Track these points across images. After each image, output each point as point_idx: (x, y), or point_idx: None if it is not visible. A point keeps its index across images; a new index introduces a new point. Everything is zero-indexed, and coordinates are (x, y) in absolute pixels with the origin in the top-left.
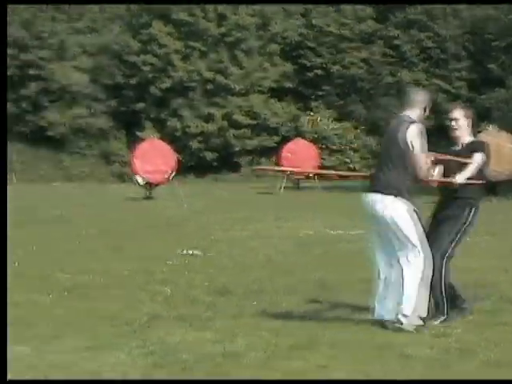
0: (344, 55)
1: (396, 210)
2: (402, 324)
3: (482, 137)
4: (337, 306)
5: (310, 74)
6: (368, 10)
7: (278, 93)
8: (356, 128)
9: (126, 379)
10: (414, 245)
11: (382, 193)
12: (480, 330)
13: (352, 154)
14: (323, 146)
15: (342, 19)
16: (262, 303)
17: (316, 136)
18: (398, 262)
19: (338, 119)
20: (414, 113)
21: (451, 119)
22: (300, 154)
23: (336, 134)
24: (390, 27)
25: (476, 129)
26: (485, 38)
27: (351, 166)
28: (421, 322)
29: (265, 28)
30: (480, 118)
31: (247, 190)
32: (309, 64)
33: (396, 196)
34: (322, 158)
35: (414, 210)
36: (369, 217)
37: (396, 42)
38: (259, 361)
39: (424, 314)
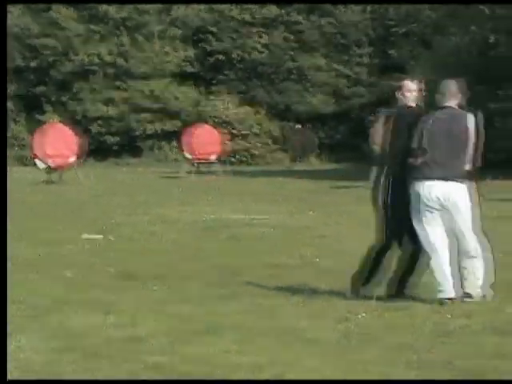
0: (245, 40)
1: (466, 197)
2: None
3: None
4: (241, 291)
5: (212, 59)
6: None
7: (179, 77)
8: (258, 113)
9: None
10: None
11: (456, 181)
12: (380, 314)
13: (254, 138)
14: (225, 131)
15: (244, 4)
16: (165, 288)
17: (218, 121)
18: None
19: (240, 104)
20: (457, 102)
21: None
22: (202, 139)
23: (238, 119)
24: (292, 13)
25: None
26: (385, 24)
27: (253, 151)
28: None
29: (166, 12)
30: (380, 104)
31: (149, 175)
32: (210, 49)
33: (464, 183)
34: (224, 143)
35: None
36: (434, 202)
37: (297, 27)
38: (162, 346)
39: None
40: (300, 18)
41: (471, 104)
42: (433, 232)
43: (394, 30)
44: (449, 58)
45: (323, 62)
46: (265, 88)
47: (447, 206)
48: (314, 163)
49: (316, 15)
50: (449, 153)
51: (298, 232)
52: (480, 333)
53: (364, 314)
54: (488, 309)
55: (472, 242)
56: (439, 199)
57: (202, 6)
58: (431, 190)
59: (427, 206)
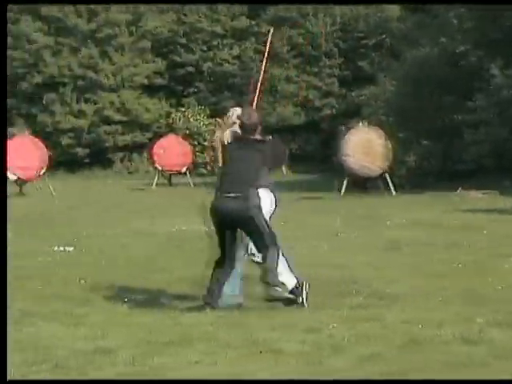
0: (216, 52)
1: None
2: None
3: (353, 133)
4: None
5: (182, 71)
6: (241, 6)
7: (150, 89)
8: None
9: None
10: None
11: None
12: (351, 325)
13: None
14: (196, 143)
15: (215, 15)
16: (134, 300)
17: (188, 132)
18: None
19: (211, 115)
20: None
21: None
22: (172, 150)
23: (208, 131)
24: (261, 23)
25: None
26: (355, 35)
27: None
28: None
29: (136, 24)
30: (351, 115)
31: (119, 186)
32: (180, 60)
33: None
34: (195, 155)
35: None
36: None
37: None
38: (131, 357)
39: None
40: (270, 28)
41: (441, 115)
42: None
43: (363, 41)
44: (418, 68)
45: (293, 72)
46: (235, 100)
47: None
48: (285, 174)
49: (286, 26)
50: None
51: None
52: (450, 342)
53: (335, 325)
54: (458, 319)
55: None
56: None
57: (171, 18)
58: None
59: None
